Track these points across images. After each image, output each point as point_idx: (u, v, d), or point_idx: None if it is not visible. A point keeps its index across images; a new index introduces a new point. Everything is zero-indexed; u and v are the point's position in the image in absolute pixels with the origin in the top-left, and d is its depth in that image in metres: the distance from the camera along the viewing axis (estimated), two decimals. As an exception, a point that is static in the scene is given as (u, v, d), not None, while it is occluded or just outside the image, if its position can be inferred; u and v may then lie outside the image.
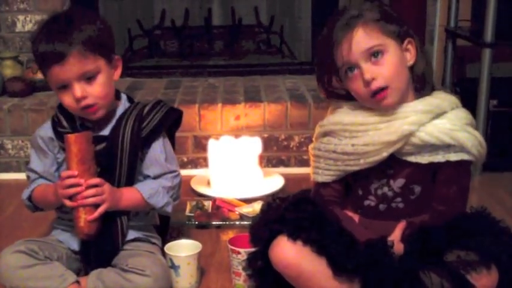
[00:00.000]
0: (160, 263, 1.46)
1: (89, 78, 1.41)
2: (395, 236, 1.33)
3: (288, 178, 2.19)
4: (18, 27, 2.61)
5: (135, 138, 1.47)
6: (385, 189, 1.38)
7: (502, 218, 1.39)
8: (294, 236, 1.29)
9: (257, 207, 1.84)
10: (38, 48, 1.40)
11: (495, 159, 2.25)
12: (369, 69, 1.29)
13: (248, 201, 2.00)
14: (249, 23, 3.24)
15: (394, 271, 1.25)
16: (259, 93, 2.48)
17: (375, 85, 1.30)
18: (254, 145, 2.18)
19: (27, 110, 2.32)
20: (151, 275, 1.40)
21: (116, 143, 1.46)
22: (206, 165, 2.25)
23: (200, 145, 2.34)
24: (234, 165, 2.13)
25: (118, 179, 1.48)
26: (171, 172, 1.53)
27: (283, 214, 1.34)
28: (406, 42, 1.34)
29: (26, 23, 2.60)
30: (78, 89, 1.39)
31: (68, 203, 1.39)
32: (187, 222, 1.88)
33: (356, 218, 1.40)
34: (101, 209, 1.41)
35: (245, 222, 1.83)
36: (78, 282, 1.43)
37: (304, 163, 2.27)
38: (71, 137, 1.38)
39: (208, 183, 2.19)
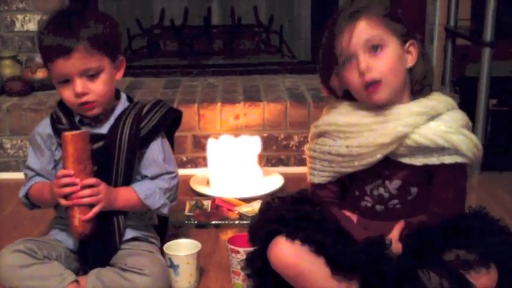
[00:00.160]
0: (159, 263, 1.46)
1: (92, 75, 1.41)
2: (394, 235, 1.33)
3: (287, 177, 2.19)
4: (17, 26, 2.60)
5: (133, 138, 1.47)
6: (381, 190, 1.37)
7: (501, 217, 1.39)
8: (292, 236, 1.28)
9: (256, 206, 1.84)
10: (44, 40, 1.40)
11: (495, 159, 2.26)
12: (365, 60, 1.29)
13: (247, 200, 2.00)
14: (249, 23, 3.24)
15: (392, 270, 1.25)
16: (258, 93, 2.48)
17: (369, 76, 1.29)
18: (253, 144, 2.18)
19: (26, 110, 2.32)
20: (150, 275, 1.40)
21: (114, 142, 1.46)
22: (205, 165, 2.25)
23: (199, 144, 2.33)
24: (234, 165, 2.13)
25: (115, 178, 1.47)
26: (168, 173, 1.52)
27: (282, 214, 1.34)
28: (408, 43, 1.33)
29: (25, 22, 2.59)
30: (79, 84, 1.40)
31: (63, 202, 1.39)
32: (186, 222, 1.87)
33: (354, 218, 1.39)
34: (95, 209, 1.40)
35: (244, 222, 1.83)
36: (77, 281, 1.42)
37: (304, 162, 2.23)
38: (68, 136, 1.38)
39: (208, 182, 2.19)
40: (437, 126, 1.31)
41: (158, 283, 1.42)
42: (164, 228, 1.68)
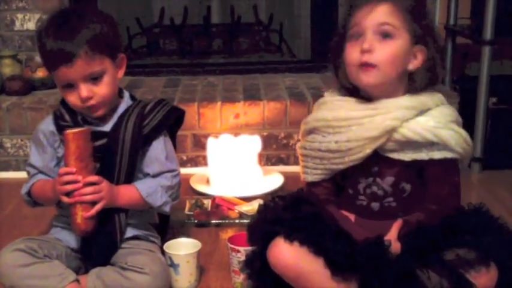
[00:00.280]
0: (159, 262, 1.46)
1: (95, 78, 1.41)
2: (392, 235, 1.33)
3: (287, 176, 2.19)
4: (17, 25, 2.60)
5: (136, 136, 1.47)
6: (374, 188, 1.37)
7: (502, 215, 1.39)
8: (290, 237, 1.28)
9: (256, 205, 1.84)
10: (45, 45, 1.40)
11: (495, 157, 2.26)
12: (371, 41, 1.30)
13: (248, 199, 2.00)
14: (248, 21, 3.24)
15: (392, 270, 1.24)
16: (258, 92, 2.48)
17: (367, 57, 1.30)
18: (253, 143, 2.18)
19: (26, 109, 2.32)
20: (150, 273, 1.40)
21: (117, 140, 1.46)
22: (205, 164, 2.25)
23: (199, 143, 2.33)
24: (234, 164, 2.13)
25: (117, 176, 1.47)
26: (170, 171, 1.52)
27: (280, 215, 1.34)
28: (417, 47, 1.32)
29: (25, 21, 2.59)
30: (84, 89, 1.40)
31: (65, 199, 1.39)
32: (186, 221, 1.87)
33: (352, 217, 1.39)
34: (97, 207, 1.40)
35: (245, 221, 1.82)
36: (77, 280, 1.42)
37: (304, 161, 2.27)
38: (69, 134, 1.38)
39: (208, 181, 2.19)
40: (426, 121, 1.31)
41: (158, 282, 1.42)
42: (165, 227, 1.68)
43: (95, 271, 1.44)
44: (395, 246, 1.30)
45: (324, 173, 1.40)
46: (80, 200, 1.39)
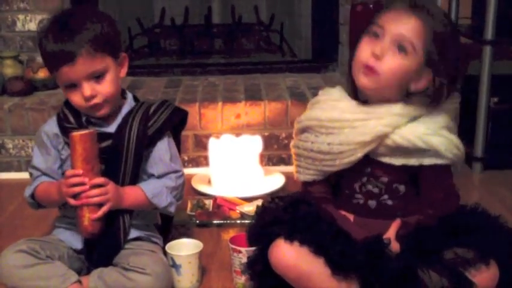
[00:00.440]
0: (161, 262, 1.47)
1: (98, 77, 1.42)
2: (391, 234, 1.33)
3: (288, 176, 2.18)
4: (19, 26, 2.60)
5: (141, 137, 1.47)
6: (369, 186, 1.38)
7: (503, 215, 1.39)
8: (290, 238, 1.29)
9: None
10: (46, 47, 1.40)
11: (496, 157, 2.26)
12: (384, 50, 1.29)
13: (249, 199, 2.00)
14: (249, 21, 3.24)
15: (392, 269, 1.25)
16: (259, 92, 2.48)
17: (373, 63, 1.29)
18: (255, 143, 2.18)
19: (28, 110, 2.32)
20: (152, 274, 1.40)
21: (122, 141, 1.46)
22: (207, 164, 2.25)
23: (201, 144, 2.34)
24: (235, 164, 2.13)
25: (122, 177, 1.48)
26: (175, 172, 1.53)
27: (279, 216, 1.34)
28: (427, 72, 1.31)
29: (26, 22, 2.59)
30: (88, 88, 1.40)
31: (72, 201, 1.40)
32: (188, 221, 1.88)
33: (351, 218, 1.40)
34: (104, 208, 1.41)
35: (246, 221, 1.83)
36: (79, 281, 1.43)
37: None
38: (76, 136, 1.39)
39: (209, 182, 2.19)
40: (416, 128, 1.31)
41: (160, 283, 1.42)
42: (168, 227, 1.68)
43: (96, 272, 1.45)
44: (394, 246, 1.31)
45: (316, 174, 1.40)
46: (87, 202, 1.39)
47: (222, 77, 2.75)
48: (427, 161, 1.32)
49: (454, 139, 1.33)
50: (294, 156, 1.45)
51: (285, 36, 3.14)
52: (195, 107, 2.32)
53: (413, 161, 1.33)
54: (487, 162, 2.28)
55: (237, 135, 2.21)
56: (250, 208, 1.91)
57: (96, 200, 1.39)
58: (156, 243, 1.55)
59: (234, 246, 1.47)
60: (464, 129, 1.50)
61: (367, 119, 1.33)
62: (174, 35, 3.20)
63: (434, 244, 1.29)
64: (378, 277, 1.24)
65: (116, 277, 1.41)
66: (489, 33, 2.17)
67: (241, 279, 1.48)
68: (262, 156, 2.25)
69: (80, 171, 1.38)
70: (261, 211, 1.43)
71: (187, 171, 2.22)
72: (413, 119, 1.32)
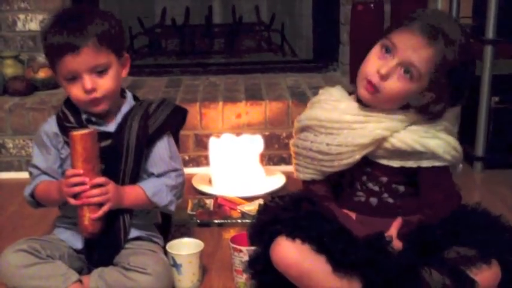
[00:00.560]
0: (162, 262, 1.46)
1: (100, 72, 1.41)
2: (392, 232, 1.33)
3: (289, 176, 2.18)
4: (19, 26, 2.60)
5: (140, 136, 1.47)
6: (370, 184, 1.38)
7: (504, 214, 1.39)
8: (292, 236, 1.29)
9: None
10: (52, 37, 1.39)
11: (497, 156, 2.26)
12: (390, 71, 1.28)
13: (250, 199, 2.00)
14: (250, 21, 3.24)
15: (393, 267, 1.25)
16: (260, 91, 2.48)
17: (376, 81, 1.29)
18: (255, 143, 2.18)
19: (28, 109, 2.32)
20: (153, 274, 1.40)
21: (122, 140, 1.46)
22: (207, 164, 2.25)
23: (201, 143, 2.34)
24: (236, 164, 2.13)
25: (122, 177, 1.48)
26: (175, 170, 1.52)
27: (280, 214, 1.34)
28: (430, 94, 1.30)
29: (27, 22, 2.59)
30: (89, 80, 1.40)
31: (72, 201, 1.39)
32: (189, 221, 1.87)
33: (353, 215, 1.40)
34: (105, 208, 1.41)
35: (247, 221, 1.83)
36: (80, 281, 1.43)
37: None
38: (77, 136, 1.38)
39: (210, 181, 2.19)
40: (414, 132, 1.32)
41: (161, 282, 1.42)
42: (167, 227, 1.68)
43: (97, 271, 1.44)
44: (396, 243, 1.31)
45: (315, 173, 1.41)
46: (87, 202, 1.39)
47: (223, 77, 2.75)
48: (425, 163, 1.33)
49: (452, 141, 1.34)
50: (293, 154, 1.45)
51: (286, 36, 3.14)
52: (195, 107, 2.32)
53: (411, 163, 1.34)
54: (488, 161, 2.28)
55: (238, 134, 2.21)
56: (251, 207, 1.91)
57: (96, 199, 1.39)
58: (156, 243, 1.55)
59: (234, 246, 1.47)
60: (465, 129, 1.50)
61: (366, 121, 1.33)
62: (174, 34, 3.20)
63: (436, 243, 1.29)
64: (379, 275, 1.24)
65: (117, 277, 1.41)
66: (490, 33, 2.17)
67: (242, 279, 1.48)
68: (262, 155, 2.25)
69: (81, 171, 1.38)
70: (262, 210, 1.43)
71: (188, 170, 2.22)
72: (412, 123, 1.33)
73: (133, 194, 1.47)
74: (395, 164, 1.34)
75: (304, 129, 1.42)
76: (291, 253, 1.28)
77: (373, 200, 1.39)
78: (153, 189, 1.48)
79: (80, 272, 1.48)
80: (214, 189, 2.13)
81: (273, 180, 2.19)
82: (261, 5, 3.30)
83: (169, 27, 3.22)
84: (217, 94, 2.45)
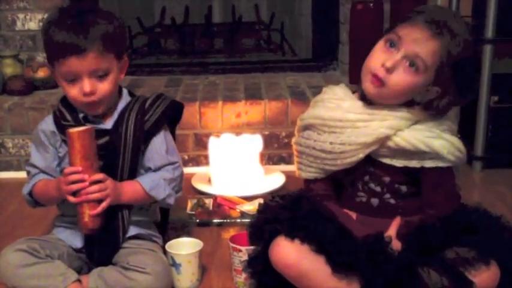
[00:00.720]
0: (161, 261, 1.46)
1: (100, 76, 1.41)
2: (391, 232, 1.33)
3: (289, 175, 2.18)
4: (18, 25, 2.60)
5: (137, 132, 1.47)
6: (372, 185, 1.38)
7: (504, 214, 1.39)
8: (291, 236, 1.29)
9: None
10: (56, 36, 1.38)
11: (496, 156, 2.26)
12: (395, 64, 1.28)
13: (249, 198, 2.00)
14: (250, 20, 3.25)
15: (392, 267, 1.25)
16: (259, 91, 2.48)
17: (382, 74, 1.29)
18: (255, 142, 2.18)
19: (28, 109, 2.32)
20: (152, 273, 1.40)
21: (119, 137, 1.46)
22: (207, 163, 2.25)
23: (201, 143, 2.33)
24: (235, 163, 2.13)
25: (120, 173, 1.48)
26: (172, 164, 1.53)
27: (280, 214, 1.34)
28: (434, 88, 1.30)
29: (26, 21, 2.59)
30: (88, 83, 1.40)
31: (71, 199, 1.39)
32: (188, 220, 1.87)
33: (353, 215, 1.40)
34: (104, 204, 1.41)
35: (246, 220, 1.82)
36: (79, 280, 1.43)
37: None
38: (74, 133, 1.38)
39: (209, 181, 2.19)
40: (419, 131, 1.31)
41: (160, 282, 1.42)
42: (165, 226, 1.68)
43: (96, 271, 1.45)
44: (396, 244, 1.31)
45: (317, 172, 1.40)
46: (87, 198, 1.39)
47: (222, 76, 2.75)
48: (429, 163, 1.32)
49: (456, 141, 1.33)
50: (295, 153, 1.45)
51: (285, 35, 3.14)
52: (195, 106, 2.32)
53: (414, 163, 1.33)
54: (487, 161, 2.28)
55: (237, 134, 2.21)
56: (250, 207, 1.91)
57: (95, 196, 1.39)
58: (155, 242, 1.55)
59: (234, 245, 1.47)
60: (465, 128, 1.50)
61: (370, 120, 1.32)
62: (174, 34, 3.20)
63: (435, 243, 1.29)
64: (378, 275, 1.24)
65: (116, 276, 1.41)
66: (489, 32, 2.17)
67: (241, 278, 1.48)
68: (262, 155, 2.25)
69: (79, 168, 1.38)
70: (262, 209, 1.42)
71: (188, 170, 2.22)
72: (416, 122, 1.33)
73: (131, 189, 1.47)
74: (398, 163, 1.34)
75: (307, 127, 1.42)
76: (289, 253, 1.28)
77: (374, 201, 1.39)
78: (150, 184, 1.48)
79: (79, 271, 1.48)
80: (213, 188, 2.13)
81: (273, 179, 2.19)
82: (261, 4, 3.30)
83: (168, 26, 3.22)
84: (216, 93, 2.45)
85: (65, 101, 1.49)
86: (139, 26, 3.13)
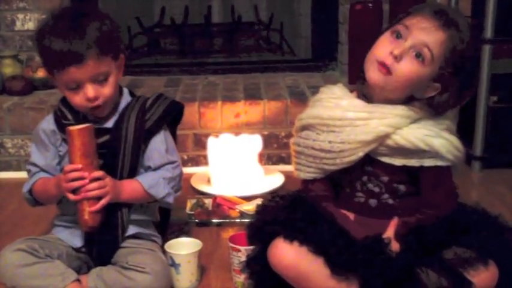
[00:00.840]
0: (160, 261, 1.47)
1: (101, 80, 1.42)
2: (390, 233, 1.33)
3: (288, 175, 2.18)
4: (18, 25, 2.60)
5: (138, 131, 1.48)
6: (370, 185, 1.38)
7: (502, 214, 1.39)
8: (290, 237, 1.29)
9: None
10: (51, 45, 1.38)
11: (495, 156, 2.26)
12: (403, 52, 1.27)
13: (248, 198, 2.00)
14: (249, 20, 3.24)
15: (391, 268, 1.25)
16: (259, 91, 2.48)
17: (390, 62, 1.28)
18: (254, 143, 2.18)
19: (27, 109, 2.32)
20: (151, 273, 1.41)
21: (120, 136, 1.47)
22: (206, 163, 2.25)
23: (200, 143, 2.34)
24: (234, 163, 2.13)
25: (120, 172, 1.48)
26: (171, 163, 1.53)
27: (279, 215, 1.34)
28: (435, 84, 1.30)
29: (26, 21, 2.59)
30: (91, 89, 1.40)
31: (71, 196, 1.40)
32: (187, 220, 1.88)
33: (352, 216, 1.39)
34: (103, 201, 1.41)
35: (246, 220, 1.82)
36: (78, 280, 1.43)
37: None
38: (74, 131, 1.39)
39: (209, 181, 2.19)
40: (418, 129, 1.31)
41: (160, 281, 1.42)
42: (165, 226, 1.68)
43: (95, 271, 1.45)
44: (394, 245, 1.31)
45: (316, 172, 1.40)
46: (87, 195, 1.39)
47: (222, 76, 2.75)
48: (428, 162, 1.32)
49: (455, 141, 1.33)
50: (293, 153, 1.44)
51: (285, 35, 3.14)
52: (194, 106, 2.32)
53: (413, 162, 1.33)
54: (486, 161, 2.28)
55: (237, 134, 2.21)
56: (249, 207, 1.91)
57: (95, 193, 1.40)
58: (155, 241, 1.55)
59: (233, 245, 1.47)
60: (464, 128, 1.50)
61: (369, 118, 1.32)
62: (173, 34, 3.20)
63: (434, 243, 1.29)
64: (377, 276, 1.24)
65: (115, 276, 1.42)
66: (488, 32, 2.17)
67: (241, 278, 1.48)
68: (261, 155, 2.25)
69: (79, 166, 1.39)
70: (261, 209, 1.42)
71: (187, 170, 2.23)
72: (415, 120, 1.32)
73: (130, 187, 1.48)
74: (397, 162, 1.33)
75: (305, 127, 1.41)
76: (288, 255, 1.28)
77: (373, 201, 1.39)
78: (150, 182, 1.49)
79: (79, 271, 1.48)
80: (213, 188, 2.13)
81: (272, 179, 2.19)
82: (260, 4, 3.30)
83: (168, 26, 3.22)
84: (216, 93, 2.46)
85: (65, 100, 1.49)
86: (139, 26, 3.13)
